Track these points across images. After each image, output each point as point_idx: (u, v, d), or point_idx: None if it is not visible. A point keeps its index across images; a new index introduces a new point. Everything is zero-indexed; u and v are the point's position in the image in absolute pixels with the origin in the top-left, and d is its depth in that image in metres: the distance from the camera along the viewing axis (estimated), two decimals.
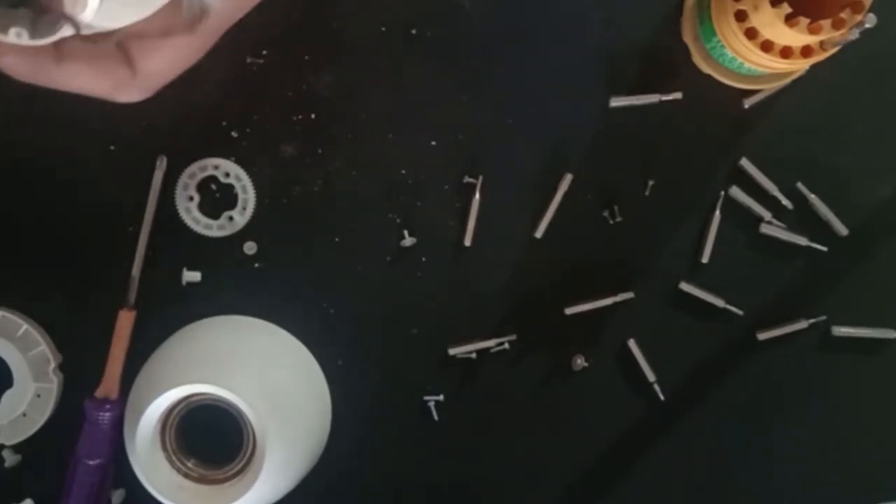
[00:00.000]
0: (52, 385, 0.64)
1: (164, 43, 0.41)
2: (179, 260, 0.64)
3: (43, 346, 0.64)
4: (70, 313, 0.65)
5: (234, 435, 0.60)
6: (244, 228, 0.64)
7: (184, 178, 0.63)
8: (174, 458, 0.60)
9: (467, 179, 0.63)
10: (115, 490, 0.66)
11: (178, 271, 0.64)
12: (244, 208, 0.63)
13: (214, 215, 0.64)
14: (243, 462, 0.60)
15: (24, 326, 0.63)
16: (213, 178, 0.63)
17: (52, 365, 0.64)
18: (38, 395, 0.64)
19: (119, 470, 0.63)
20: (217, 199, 0.64)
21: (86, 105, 0.63)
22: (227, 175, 0.63)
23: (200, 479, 0.61)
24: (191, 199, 0.63)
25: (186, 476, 0.60)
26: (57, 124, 0.63)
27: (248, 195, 0.63)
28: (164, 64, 0.42)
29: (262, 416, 0.57)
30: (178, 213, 0.63)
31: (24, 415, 0.64)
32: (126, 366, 0.63)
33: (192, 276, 0.64)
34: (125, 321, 0.62)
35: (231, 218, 0.63)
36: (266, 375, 0.61)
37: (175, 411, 0.60)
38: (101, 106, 0.62)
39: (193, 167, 0.63)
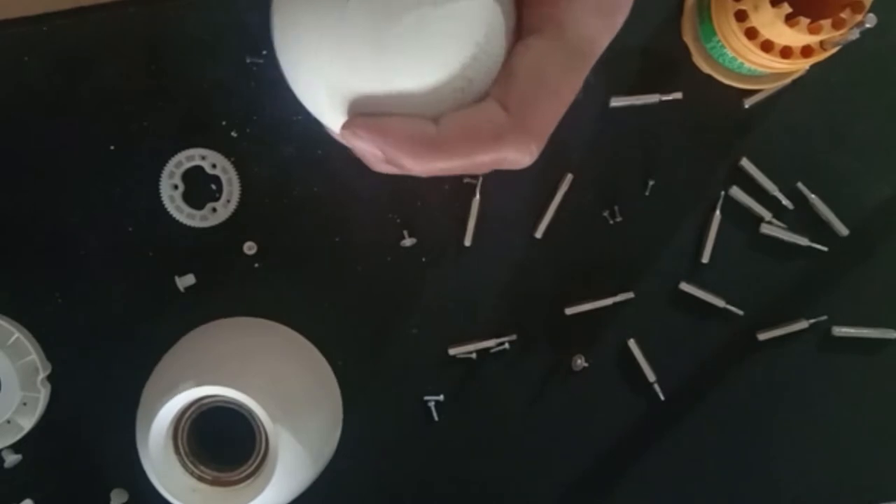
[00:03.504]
0: (39, 395, 0.64)
1: (540, 88, 0.39)
2: (180, 262, 0.64)
3: (33, 356, 0.64)
4: (64, 322, 0.65)
5: (247, 436, 0.60)
6: (243, 227, 0.64)
7: (170, 166, 0.63)
8: (187, 461, 0.60)
9: (467, 179, 0.63)
10: (117, 489, 0.66)
11: (179, 274, 0.64)
12: (228, 200, 0.63)
13: (198, 205, 0.64)
14: (256, 463, 0.60)
15: (15, 334, 0.63)
16: (199, 169, 0.63)
17: (41, 375, 0.64)
18: (25, 404, 0.64)
19: (128, 471, 0.63)
20: (201, 189, 0.64)
21: (85, 105, 0.63)
22: (214, 166, 0.63)
23: (214, 482, 0.60)
24: (175, 187, 0.63)
25: (200, 479, 0.60)
26: (56, 126, 0.63)
27: (233, 188, 0.63)
28: (552, 114, 0.40)
29: (273, 416, 0.57)
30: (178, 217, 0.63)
31: (9, 421, 0.64)
32: (134, 370, 0.63)
33: (187, 280, 0.64)
34: None
35: (215, 209, 0.63)
36: (276, 376, 0.61)
37: (187, 414, 0.60)
38: (100, 107, 0.63)
39: (180, 156, 0.63)
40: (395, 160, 0.39)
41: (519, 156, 0.39)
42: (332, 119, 0.40)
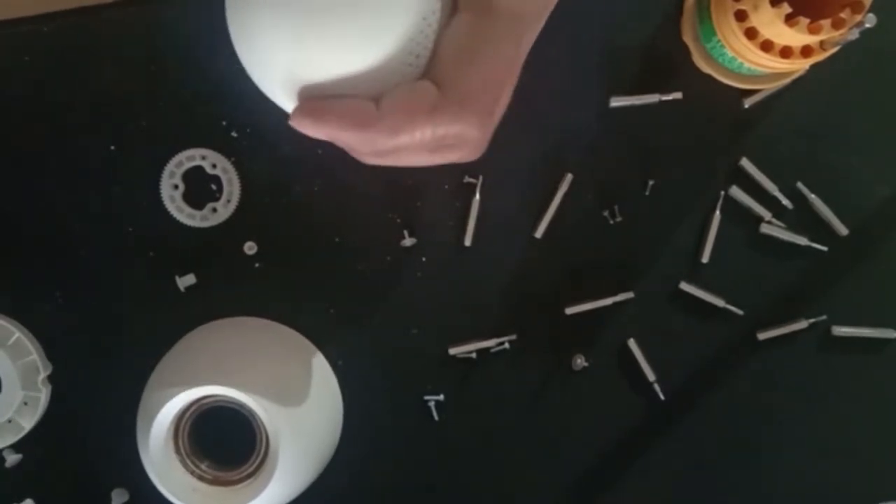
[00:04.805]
0: (40, 394, 0.64)
1: (464, 59, 0.40)
2: (180, 262, 0.64)
3: (34, 356, 0.64)
4: (64, 322, 0.65)
5: (247, 436, 0.60)
6: (243, 227, 0.64)
7: (170, 166, 0.63)
8: (188, 460, 0.61)
9: (467, 179, 0.63)
10: (117, 489, 0.66)
11: (179, 274, 0.64)
12: (228, 200, 0.63)
13: (198, 205, 0.64)
14: (257, 463, 0.60)
15: (16, 334, 0.63)
16: (199, 169, 0.63)
17: (42, 375, 0.64)
18: (26, 403, 0.64)
19: (128, 471, 0.63)
20: (201, 189, 0.64)
21: (85, 105, 0.63)
22: (214, 166, 0.63)
23: (214, 481, 0.61)
24: (175, 187, 0.63)
25: (200, 478, 0.60)
26: (56, 126, 0.63)
27: (233, 188, 0.63)
28: (478, 80, 0.41)
29: (273, 416, 0.57)
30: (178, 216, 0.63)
31: (10, 421, 0.64)
32: (134, 370, 0.63)
33: (187, 280, 0.64)
34: None
35: (215, 209, 0.63)
36: (277, 376, 0.61)
37: (188, 414, 0.60)
38: (100, 107, 0.63)
39: (181, 156, 0.63)
40: (341, 143, 0.40)
41: (461, 127, 0.40)
42: (285, 103, 0.41)
